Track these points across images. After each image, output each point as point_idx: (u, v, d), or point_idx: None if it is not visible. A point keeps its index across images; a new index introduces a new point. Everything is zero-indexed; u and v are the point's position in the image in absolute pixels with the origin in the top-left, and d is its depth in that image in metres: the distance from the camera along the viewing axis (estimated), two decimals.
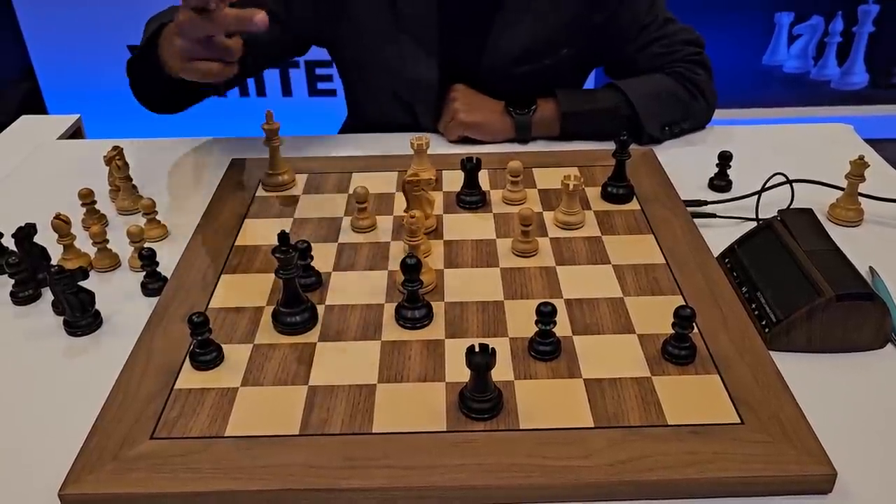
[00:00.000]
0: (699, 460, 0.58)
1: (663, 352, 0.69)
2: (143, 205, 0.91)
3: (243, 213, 0.94)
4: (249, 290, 0.79)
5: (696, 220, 0.90)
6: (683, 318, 0.66)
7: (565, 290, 0.78)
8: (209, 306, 0.77)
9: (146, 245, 0.84)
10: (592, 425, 0.62)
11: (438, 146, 1.13)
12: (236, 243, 0.88)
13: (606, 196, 0.94)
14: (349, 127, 1.35)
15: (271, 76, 2.62)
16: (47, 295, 0.81)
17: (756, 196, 0.94)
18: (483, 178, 0.98)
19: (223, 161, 1.07)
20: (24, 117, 1.37)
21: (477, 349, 0.60)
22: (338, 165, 1.05)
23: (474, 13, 1.13)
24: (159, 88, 1.02)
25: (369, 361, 0.69)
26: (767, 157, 1.08)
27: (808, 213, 0.83)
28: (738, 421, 0.62)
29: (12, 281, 0.80)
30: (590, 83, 1.36)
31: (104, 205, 0.97)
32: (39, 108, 2.62)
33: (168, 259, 0.84)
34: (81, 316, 0.76)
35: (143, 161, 1.06)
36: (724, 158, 1.00)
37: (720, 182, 1.01)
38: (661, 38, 1.16)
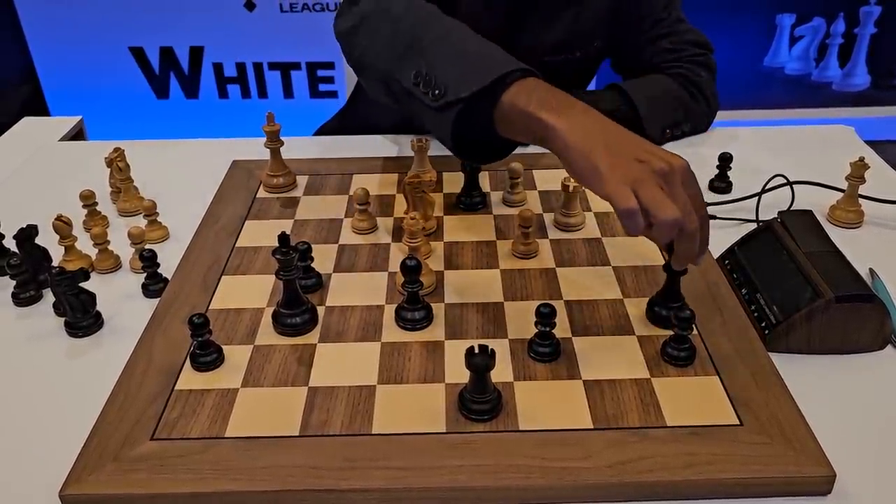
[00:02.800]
0: (698, 462, 0.58)
1: (663, 353, 0.69)
2: (144, 206, 0.91)
3: (244, 214, 0.94)
4: (250, 291, 0.80)
5: None
6: (683, 320, 0.66)
7: (565, 292, 0.78)
8: (210, 307, 0.77)
9: (147, 246, 0.84)
10: (592, 426, 0.62)
11: (439, 148, 1.13)
12: (237, 244, 0.88)
13: None
14: (340, 128, 1.34)
15: (273, 77, 2.62)
16: (48, 296, 0.82)
17: (756, 197, 0.94)
18: (483, 179, 0.99)
19: (224, 162, 1.07)
20: (25, 119, 1.37)
21: (476, 350, 0.60)
22: (338, 167, 1.06)
23: (511, 4, 1.11)
24: None
25: (369, 363, 0.69)
26: (767, 159, 1.08)
27: (809, 214, 0.83)
28: (738, 422, 0.62)
29: (14, 282, 0.81)
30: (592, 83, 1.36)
31: (105, 206, 0.98)
32: (41, 109, 2.62)
33: (169, 260, 0.84)
34: (82, 317, 0.76)
35: (144, 162, 1.06)
36: (725, 160, 1.00)
37: (720, 183, 1.01)
38: (672, 34, 1.16)
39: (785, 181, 0.95)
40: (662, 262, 0.82)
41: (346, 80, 1.75)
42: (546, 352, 0.69)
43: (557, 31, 1.13)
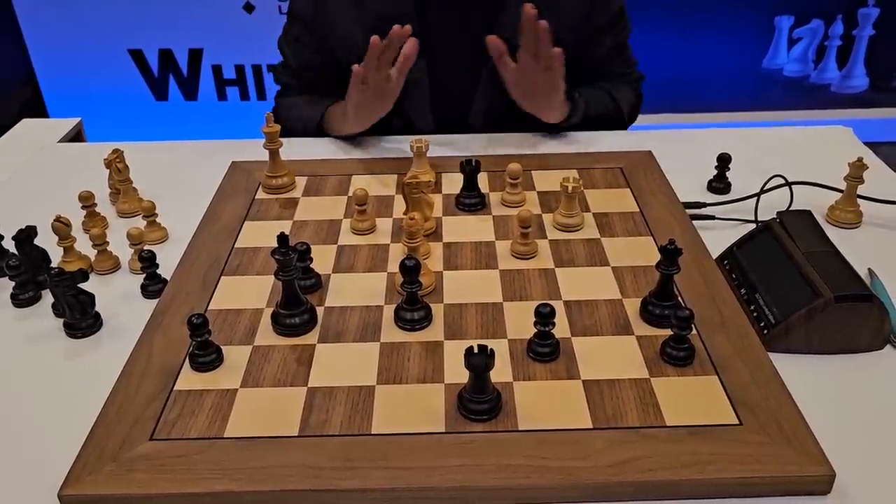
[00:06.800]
0: (698, 461, 0.58)
1: (662, 353, 0.69)
2: (143, 207, 0.91)
3: (243, 215, 0.94)
4: (249, 291, 0.80)
5: (695, 222, 0.91)
6: (682, 320, 0.66)
7: (564, 292, 0.78)
8: (209, 308, 0.77)
9: (146, 247, 0.84)
10: (591, 426, 0.62)
11: (438, 149, 1.13)
12: (236, 245, 0.88)
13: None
14: None
15: (271, 79, 2.61)
16: (48, 297, 0.81)
17: (755, 198, 0.95)
18: (482, 180, 0.99)
19: (223, 163, 1.07)
20: (25, 120, 1.37)
21: (476, 350, 0.60)
22: (337, 168, 1.06)
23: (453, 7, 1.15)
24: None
25: (368, 363, 0.69)
26: (766, 160, 1.08)
27: (807, 214, 0.83)
28: (737, 422, 0.62)
29: (13, 283, 0.81)
30: None
31: (104, 207, 0.98)
32: (40, 111, 2.62)
33: (168, 261, 0.84)
34: (81, 318, 0.76)
35: (143, 164, 1.06)
36: (723, 160, 1.00)
37: (719, 184, 1.01)
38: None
39: (784, 182, 0.95)
40: None
41: None
42: (545, 352, 0.69)
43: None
